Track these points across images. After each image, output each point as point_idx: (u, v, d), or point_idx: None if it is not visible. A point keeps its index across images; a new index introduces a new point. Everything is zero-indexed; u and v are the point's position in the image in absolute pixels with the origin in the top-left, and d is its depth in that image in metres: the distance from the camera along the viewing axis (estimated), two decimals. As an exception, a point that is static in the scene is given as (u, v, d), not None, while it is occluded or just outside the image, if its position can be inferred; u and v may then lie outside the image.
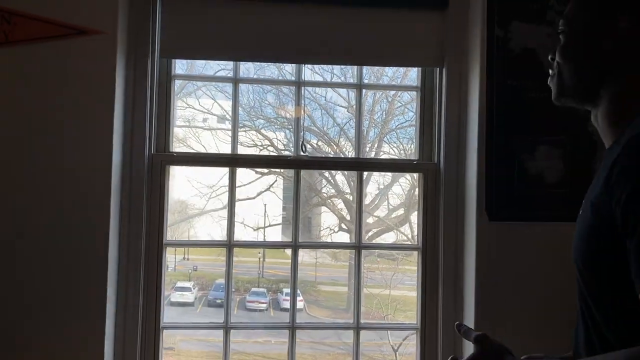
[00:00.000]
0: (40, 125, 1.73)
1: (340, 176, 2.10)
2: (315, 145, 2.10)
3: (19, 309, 1.71)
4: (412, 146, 2.09)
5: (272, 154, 2.08)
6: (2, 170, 1.71)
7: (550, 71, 1.08)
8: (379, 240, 2.17)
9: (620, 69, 0.98)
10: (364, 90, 2.13)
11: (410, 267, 2.04)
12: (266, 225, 2.32)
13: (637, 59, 0.97)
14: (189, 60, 2.12)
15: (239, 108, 2.06)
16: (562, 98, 1.06)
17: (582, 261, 0.95)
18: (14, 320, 1.70)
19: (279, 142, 2.10)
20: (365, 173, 2.08)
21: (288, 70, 2.11)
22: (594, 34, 1.00)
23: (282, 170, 2.08)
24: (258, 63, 2.09)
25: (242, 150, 2.06)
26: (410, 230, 2.09)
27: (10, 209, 1.71)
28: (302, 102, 2.07)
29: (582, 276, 0.96)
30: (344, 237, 2.14)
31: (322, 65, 2.15)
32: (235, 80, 2.06)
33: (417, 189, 2.05)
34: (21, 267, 1.71)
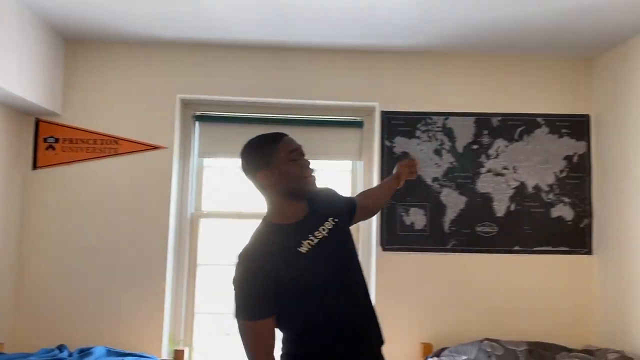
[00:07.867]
0: (138, 199, 3.17)
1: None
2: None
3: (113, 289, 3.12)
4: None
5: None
6: (121, 226, 3.15)
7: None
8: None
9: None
10: (317, 173, 3.51)
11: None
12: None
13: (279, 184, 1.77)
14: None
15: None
16: None
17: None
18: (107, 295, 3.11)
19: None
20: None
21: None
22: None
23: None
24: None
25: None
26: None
27: (119, 240, 3.15)
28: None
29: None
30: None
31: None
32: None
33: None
34: (115, 272, 3.13)
